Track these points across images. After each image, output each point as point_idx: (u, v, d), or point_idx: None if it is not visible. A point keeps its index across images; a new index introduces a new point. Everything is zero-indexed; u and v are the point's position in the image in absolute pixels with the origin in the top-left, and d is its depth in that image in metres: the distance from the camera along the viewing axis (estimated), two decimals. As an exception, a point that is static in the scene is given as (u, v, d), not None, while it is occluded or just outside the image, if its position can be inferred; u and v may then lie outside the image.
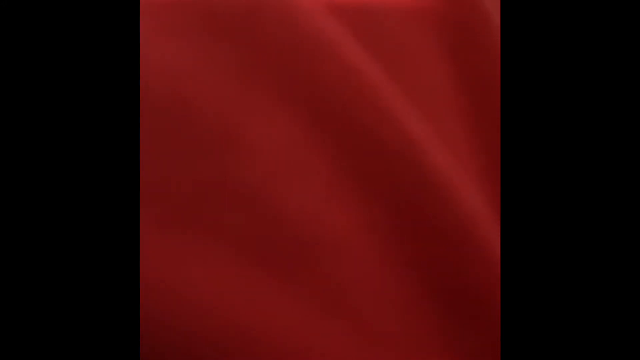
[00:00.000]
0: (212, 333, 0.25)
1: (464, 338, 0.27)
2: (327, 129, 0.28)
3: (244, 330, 0.26)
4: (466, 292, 0.27)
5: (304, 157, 0.28)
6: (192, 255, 0.26)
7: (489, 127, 0.30)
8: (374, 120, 0.28)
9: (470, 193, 0.28)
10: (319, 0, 0.30)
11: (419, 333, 0.27)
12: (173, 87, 0.28)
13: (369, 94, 0.28)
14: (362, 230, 0.27)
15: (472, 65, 0.31)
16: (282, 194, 0.27)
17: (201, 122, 0.27)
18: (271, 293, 0.26)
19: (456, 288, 0.27)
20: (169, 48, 0.28)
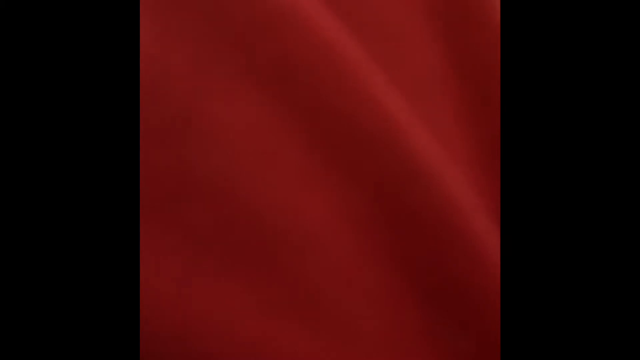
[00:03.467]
0: (167, 337, 0.24)
1: (450, 335, 0.26)
2: (298, 111, 0.26)
3: (203, 334, 0.24)
4: (451, 287, 0.26)
5: (273, 142, 0.26)
6: (147, 251, 0.24)
7: (481, 111, 0.29)
8: (351, 102, 0.26)
9: (457, 181, 0.26)
10: None
11: (401, 332, 0.26)
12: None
13: (346, 73, 0.27)
14: (338, 223, 0.26)
15: (465, 44, 0.29)
16: (247, 185, 0.25)
17: (157, 104, 0.25)
18: (235, 295, 0.24)
19: (441, 282, 0.26)
20: None
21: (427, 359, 0.25)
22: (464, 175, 0.27)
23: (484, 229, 0.26)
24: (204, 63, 0.26)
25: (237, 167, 0.25)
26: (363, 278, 0.26)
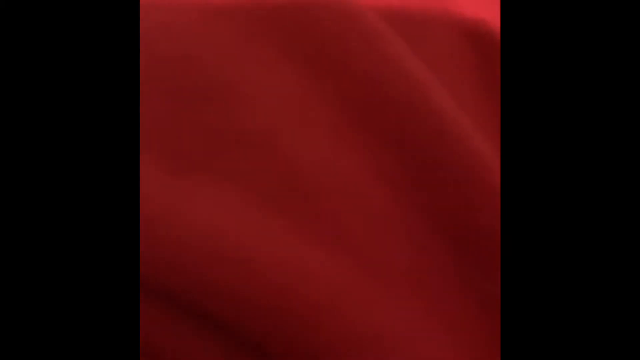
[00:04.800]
0: (225, 268, 0.26)
1: (477, 279, 0.27)
2: (330, 77, 0.28)
3: (255, 267, 0.26)
4: (478, 234, 0.27)
5: (307, 106, 0.28)
6: (206, 199, 0.26)
7: (496, 80, 0.30)
8: (379, 69, 0.28)
9: (479, 139, 0.28)
10: None
11: (431, 275, 0.27)
12: (174, 41, 0.28)
13: (372, 42, 0.28)
14: (371, 178, 0.28)
15: (480, 17, 0.31)
16: (286, 143, 0.27)
17: (203, 74, 0.28)
18: (280, 235, 0.26)
19: (469, 231, 0.27)
20: (170, 2, 0.29)
21: (455, 298, 0.27)
22: (483, 135, 0.28)
23: None
24: (245, 35, 0.29)
25: (276, 126, 0.28)
26: (395, 227, 0.27)
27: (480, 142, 0.28)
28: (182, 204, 0.26)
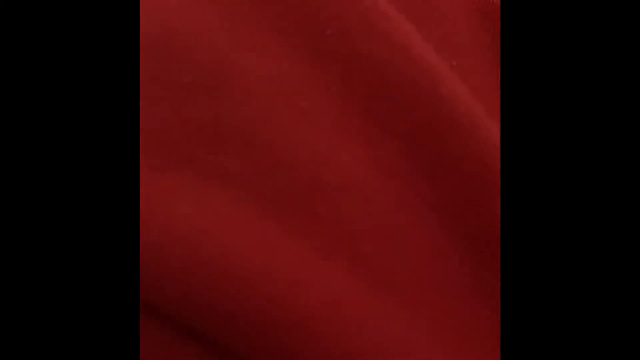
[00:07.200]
0: (209, 276, 0.24)
1: (492, 285, 0.26)
2: (331, 63, 0.26)
3: (243, 274, 0.24)
4: (494, 237, 0.26)
5: (307, 94, 0.26)
6: (189, 198, 0.25)
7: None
8: (383, 52, 0.26)
9: (494, 128, 0.26)
10: None
11: (442, 278, 0.26)
12: (162, 22, 0.26)
13: (377, 24, 0.27)
14: (375, 173, 0.26)
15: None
16: (282, 136, 0.26)
17: (192, 59, 0.26)
18: (272, 238, 0.25)
19: (485, 230, 0.26)
20: None
21: (468, 304, 0.26)
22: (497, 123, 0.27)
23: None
24: (239, 18, 0.27)
25: (272, 119, 0.26)
26: (403, 226, 0.26)
27: (495, 132, 0.26)
28: (163, 204, 0.25)
